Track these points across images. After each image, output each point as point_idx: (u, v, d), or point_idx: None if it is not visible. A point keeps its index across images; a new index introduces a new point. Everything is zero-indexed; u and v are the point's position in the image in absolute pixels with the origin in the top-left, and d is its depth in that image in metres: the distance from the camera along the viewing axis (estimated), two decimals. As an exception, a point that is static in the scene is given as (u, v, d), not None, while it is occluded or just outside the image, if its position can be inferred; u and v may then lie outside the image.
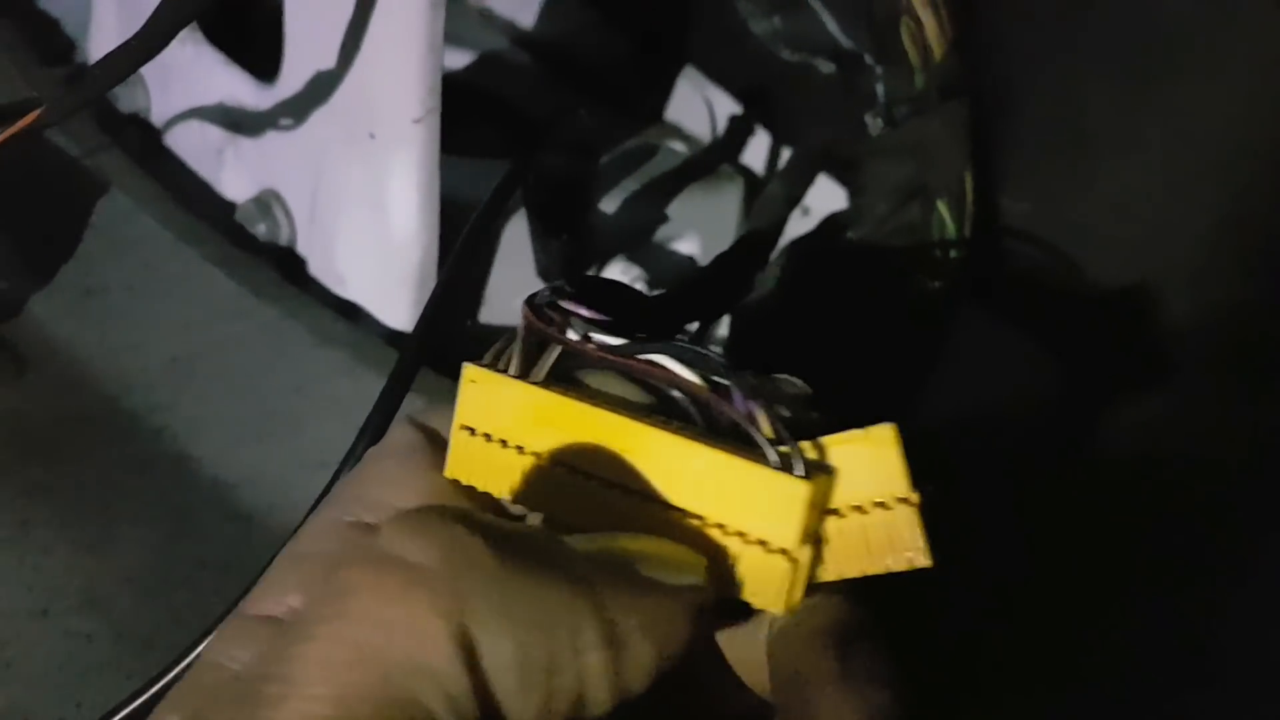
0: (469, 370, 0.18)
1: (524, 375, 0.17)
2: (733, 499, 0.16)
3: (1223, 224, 0.36)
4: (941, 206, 0.37)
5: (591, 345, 0.17)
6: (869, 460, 0.16)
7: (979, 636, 0.36)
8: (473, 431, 0.17)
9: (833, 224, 0.39)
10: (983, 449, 0.38)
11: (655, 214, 0.45)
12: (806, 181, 0.39)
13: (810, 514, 0.16)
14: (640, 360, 0.17)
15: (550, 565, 0.15)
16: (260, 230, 0.38)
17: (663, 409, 0.17)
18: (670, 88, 0.50)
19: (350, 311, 0.36)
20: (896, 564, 0.16)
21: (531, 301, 0.18)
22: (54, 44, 0.53)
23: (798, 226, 0.40)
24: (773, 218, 0.37)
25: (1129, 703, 0.35)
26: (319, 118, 0.35)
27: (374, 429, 0.26)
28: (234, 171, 0.40)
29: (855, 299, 0.37)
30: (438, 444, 0.18)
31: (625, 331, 0.17)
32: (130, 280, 0.38)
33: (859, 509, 0.16)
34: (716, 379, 0.17)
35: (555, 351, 0.18)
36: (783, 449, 0.16)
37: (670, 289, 0.37)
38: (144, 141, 0.44)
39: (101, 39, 0.45)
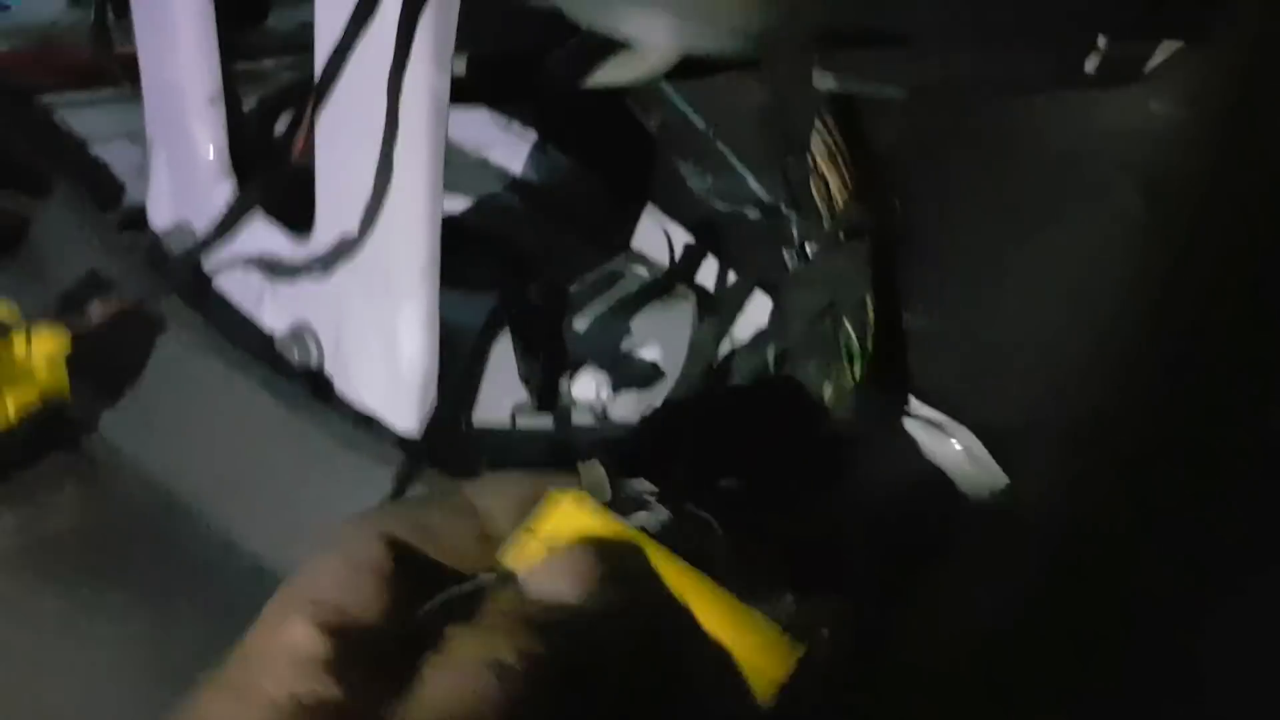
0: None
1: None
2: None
3: (1095, 343, 0.43)
4: (847, 324, 0.45)
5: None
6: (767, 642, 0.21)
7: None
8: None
9: (760, 339, 0.47)
10: (891, 543, 0.44)
11: (621, 327, 0.54)
12: (732, 318, 0.47)
13: None
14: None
15: None
16: (295, 356, 0.47)
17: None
18: (635, 223, 0.59)
19: (368, 421, 0.44)
20: None
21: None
22: (108, 186, 0.62)
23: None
24: (704, 358, 0.46)
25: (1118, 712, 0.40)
26: (344, 268, 0.43)
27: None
28: (272, 309, 0.48)
29: (776, 408, 0.45)
30: (397, 558, 0.22)
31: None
32: (182, 404, 0.46)
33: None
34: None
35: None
36: None
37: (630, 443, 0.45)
38: (197, 285, 0.53)
39: (158, 195, 0.54)
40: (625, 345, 0.54)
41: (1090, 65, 0.34)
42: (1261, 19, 0.36)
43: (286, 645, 0.22)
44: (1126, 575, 0.42)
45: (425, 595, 0.23)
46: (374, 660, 0.22)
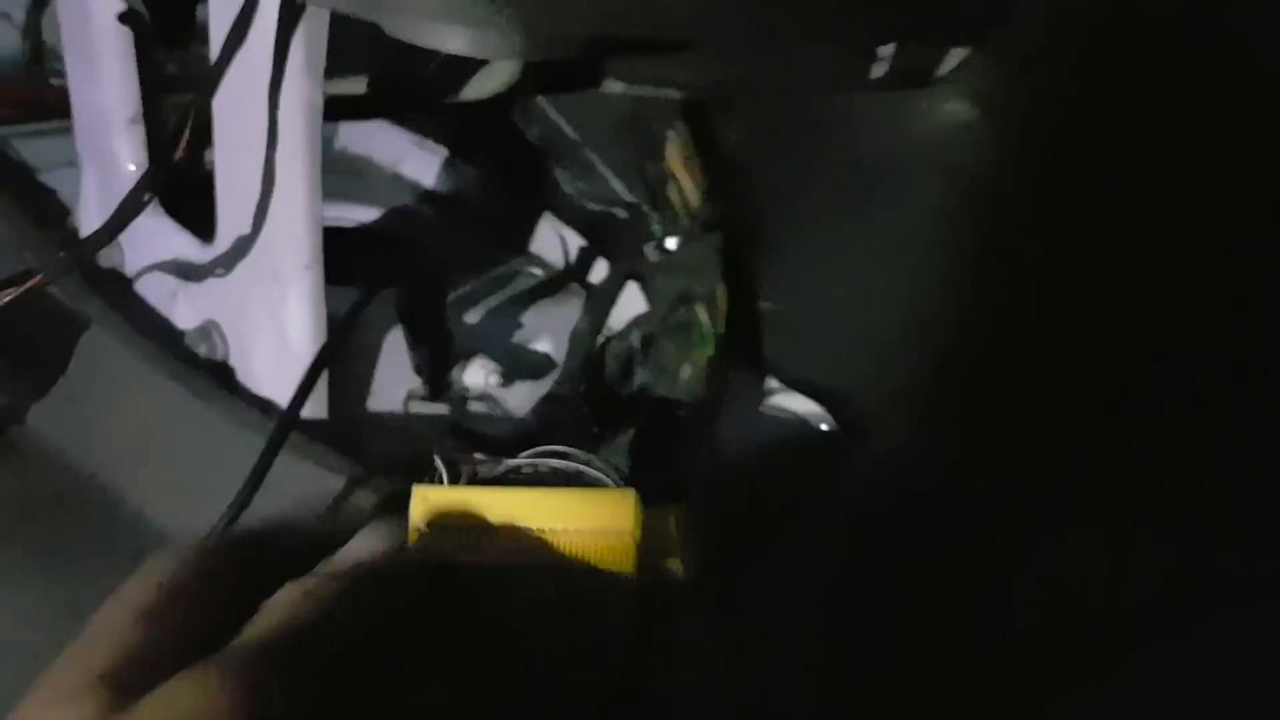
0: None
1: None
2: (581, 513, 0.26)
3: (911, 317, 0.49)
4: (700, 310, 0.50)
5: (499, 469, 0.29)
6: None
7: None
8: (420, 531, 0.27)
9: (630, 325, 0.52)
10: (744, 498, 0.49)
11: (514, 321, 0.58)
12: (607, 310, 0.52)
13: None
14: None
15: None
16: (202, 351, 0.51)
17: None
18: (532, 228, 0.64)
19: (266, 406, 0.49)
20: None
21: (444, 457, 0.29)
22: (51, 210, 0.66)
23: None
24: (583, 348, 0.50)
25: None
26: (242, 266, 0.48)
27: (255, 476, 0.39)
28: (183, 308, 0.53)
29: (645, 379, 0.50)
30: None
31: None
32: (99, 391, 0.50)
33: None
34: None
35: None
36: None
37: (514, 426, 0.50)
38: (118, 290, 0.57)
39: (88, 209, 0.59)
40: (518, 338, 0.58)
41: (877, 71, 0.40)
42: (1041, 23, 0.42)
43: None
44: (967, 506, 0.47)
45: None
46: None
